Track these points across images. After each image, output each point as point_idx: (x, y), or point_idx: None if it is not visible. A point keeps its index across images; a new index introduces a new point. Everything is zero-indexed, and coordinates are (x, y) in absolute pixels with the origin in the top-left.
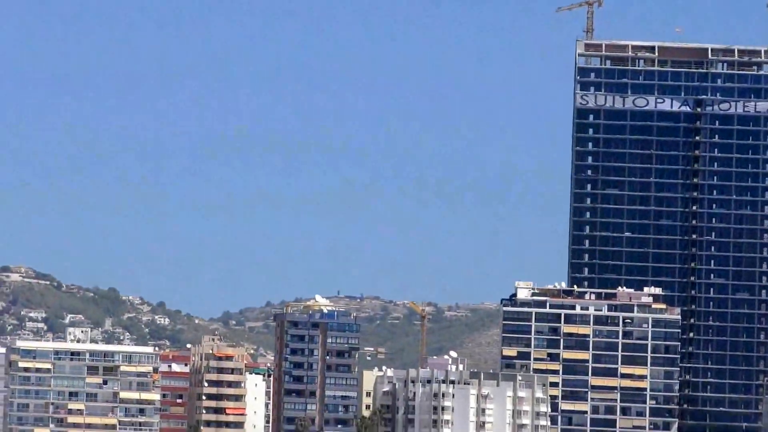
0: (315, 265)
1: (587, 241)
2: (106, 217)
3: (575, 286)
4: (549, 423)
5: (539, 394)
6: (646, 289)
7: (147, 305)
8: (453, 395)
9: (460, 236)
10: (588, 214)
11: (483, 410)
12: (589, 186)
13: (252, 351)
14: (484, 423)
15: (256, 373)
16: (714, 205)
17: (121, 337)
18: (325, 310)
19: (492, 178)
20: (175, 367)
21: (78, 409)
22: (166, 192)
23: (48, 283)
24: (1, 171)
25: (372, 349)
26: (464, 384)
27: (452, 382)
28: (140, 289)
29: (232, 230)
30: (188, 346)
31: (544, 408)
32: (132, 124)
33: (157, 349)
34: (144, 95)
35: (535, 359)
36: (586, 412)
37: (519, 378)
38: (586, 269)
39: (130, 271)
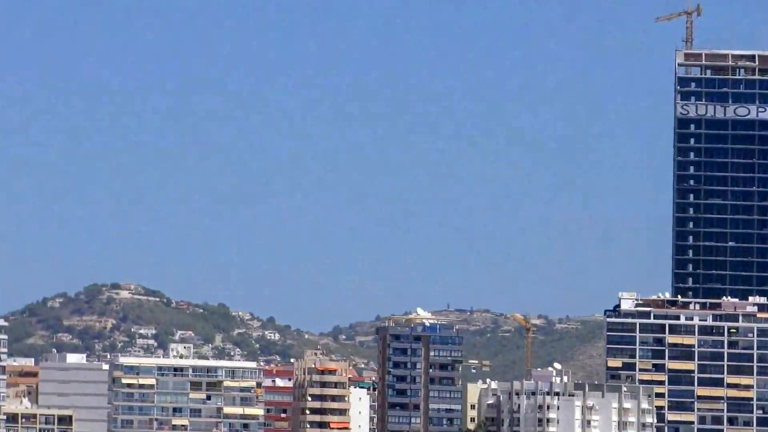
0: (424, 278)
1: (691, 251)
2: (215, 233)
3: (679, 297)
4: None
5: (645, 404)
6: (750, 298)
7: (257, 321)
8: (558, 407)
9: (566, 248)
10: (691, 224)
11: (588, 422)
12: (691, 196)
13: (362, 365)
14: None
15: (361, 387)
16: None
17: (231, 353)
18: (427, 323)
19: (595, 190)
20: (279, 382)
21: (182, 425)
22: (275, 209)
23: (157, 299)
24: (110, 190)
25: (476, 361)
26: (569, 396)
27: (557, 393)
28: (250, 304)
29: (341, 246)
30: (291, 360)
31: (650, 419)
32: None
33: (262, 364)
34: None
35: (641, 370)
36: (693, 423)
37: (624, 389)
38: (690, 279)
39: (239, 287)
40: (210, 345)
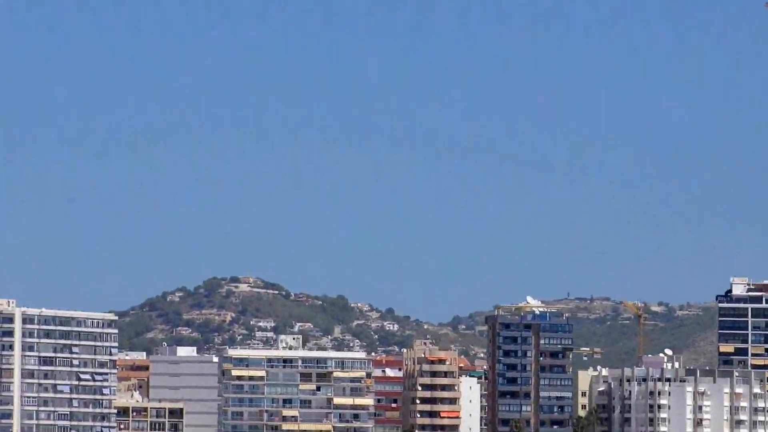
0: (542, 267)
1: None
2: (331, 225)
3: None
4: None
5: (757, 389)
6: None
7: (376, 312)
8: (669, 393)
9: (678, 234)
10: None
11: (700, 407)
12: None
13: (482, 354)
14: (701, 420)
15: (472, 376)
16: None
17: (351, 345)
18: (537, 312)
19: (706, 177)
20: (389, 372)
21: (292, 416)
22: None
23: (276, 292)
24: (227, 184)
25: (588, 349)
26: (680, 382)
27: (668, 380)
28: (369, 295)
29: (460, 235)
30: (403, 351)
31: (762, 403)
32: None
33: (373, 354)
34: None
35: (753, 355)
36: None
37: (736, 374)
38: None
39: (358, 278)
40: (329, 337)
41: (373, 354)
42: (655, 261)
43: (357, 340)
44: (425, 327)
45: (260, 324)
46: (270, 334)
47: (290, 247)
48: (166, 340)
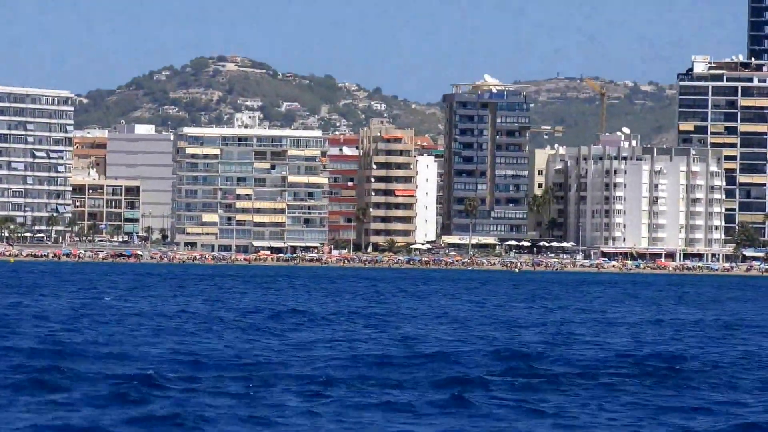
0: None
1: (767, 13)
2: (319, 3)
3: (753, 59)
4: (723, 196)
5: (713, 167)
6: None
7: (363, 91)
8: (625, 171)
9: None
10: None
11: (656, 185)
12: None
13: None
14: (656, 198)
15: (435, 155)
16: None
17: (337, 124)
18: (494, 90)
19: None
20: (346, 151)
21: (246, 194)
22: None
23: (263, 71)
24: None
25: (549, 128)
26: (636, 160)
27: (624, 158)
28: (356, 75)
29: (448, 13)
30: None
31: (718, 182)
32: None
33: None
34: None
35: (712, 133)
36: (764, 185)
37: (692, 152)
38: (766, 41)
39: (346, 58)
40: (316, 116)
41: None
42: (636, 35)
43: (344, 120)
44: (413, 107)
45: (247, 103)
46: (257, 113)
47: (278, 27)
48: (152, 119)
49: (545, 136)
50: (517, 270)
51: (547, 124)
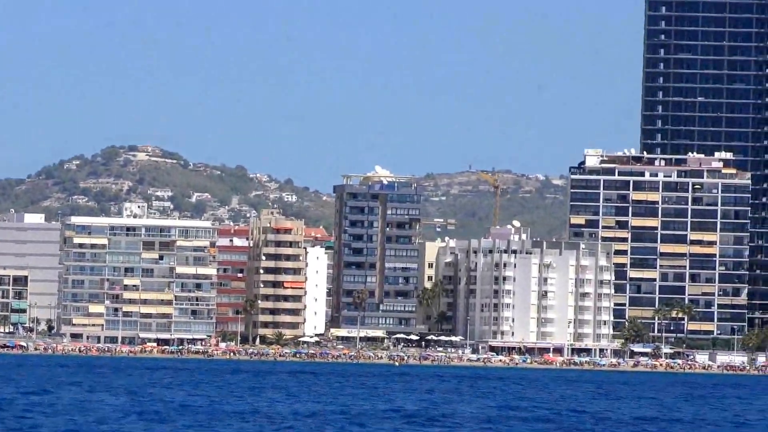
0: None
1: (660, 107)
2: (233, 94)
3: (644, 152)
4: (613, 291)
5: (603, 262)
6: (716, 154)
7: (275, 182)
8: (515, 265)
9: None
10: (661, 80)
11: (545, 279)
12: (662, 51)
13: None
14: (546, 292)
15: (326, 247)
16: None
17: (248, 215)
18: (386, 181)
19: (564, 45)
20: (237, 242)
21: (134, 285)
22: (289, 69)
23: (175, 161)
24: (128, 51)
25: (441, 220)
26: (526, 253)
27: (514, 251)
28: (268, 166)
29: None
30: (250, 220)
31: (608, 276)
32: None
33: (216, 223)
34: None
35: (603, 227)
36: (655, 280)
37: (582, 246)
38: (659, 135)
39: (258, 149)
40: (226, 207)
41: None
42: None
43: (254, 211)
44: (324, 198)
45: (158, 193)
46: (167, 204)
47: (190, 116)
48: (61, 208)
49: (438, 229)
50: (397, 364)
51: (458, 217)
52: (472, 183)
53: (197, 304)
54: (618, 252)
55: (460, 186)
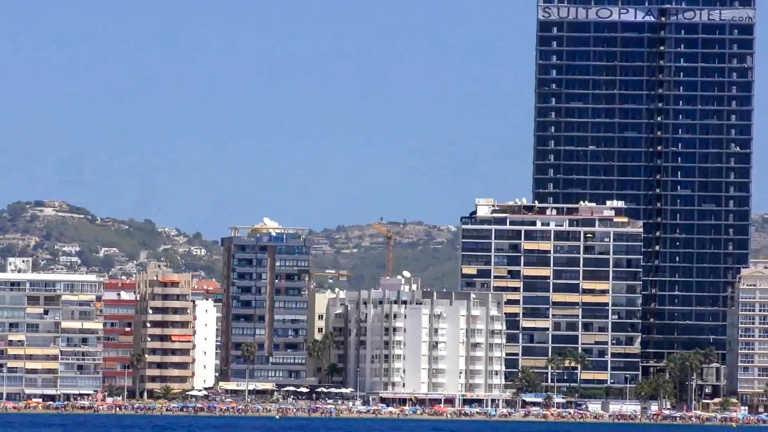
0: (354, 191)
1: (552, 156)
2: (141, 149)
3: (536, 202)
4: (505, 340)
5: (494, 311)
6: (608, 202)
7: (183, 236)
8: (405, 316)
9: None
10: (552, 129)
11: (436, 330)
12: (553, 100)
13: None
14: (437, 343)
15: (215, 299)
16: (680, 116)
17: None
18: (274, 233)
19: (457, 93)
20: (125, 296)
21: (18, 341)
22: (196, 122)
23: (82, 216)
24: (34, 108)
25: (334, 271)
26: (416, 304)
27: (404, 302)
28: (177, 220)
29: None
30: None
31: (499, 326)
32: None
33: (104, 277)
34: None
35: (496, 277)
36: (547, 329)
37: (473, 296)
38: (551, 184)
39: (165, 202)
40: (135, 261)
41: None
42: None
43: (163, 266)
44: None
45: (65, 248)
46: (75, 259)
47: (97, 171)
48: None
49: (330, 280)
50: (278, 417)
51: (368, 269)
52: (382, 234)
53: (83, 359)
54: (510, 301)
55: (372, 238)
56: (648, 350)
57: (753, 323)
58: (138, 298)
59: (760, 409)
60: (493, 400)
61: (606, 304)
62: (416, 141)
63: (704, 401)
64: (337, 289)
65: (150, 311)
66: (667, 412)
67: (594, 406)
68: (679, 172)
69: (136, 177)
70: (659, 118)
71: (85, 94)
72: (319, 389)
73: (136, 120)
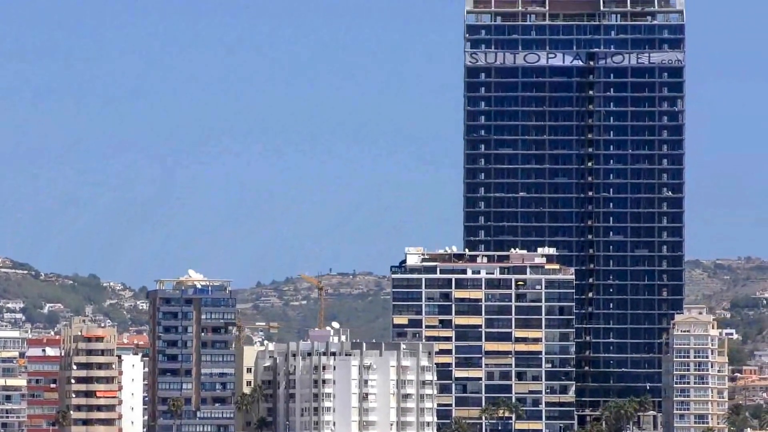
0: (305, 242)
1: (482, 203)
2: (83, 205)
3: (467, 250)
4: (436, 391)
5: (424, 362)
6: (540, 249)
7: (129, 290)
8: (334, 367)
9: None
10: (482, 175)
11: (366, 381)
12: (482, 146)
13: None
14: (366, 395)
15: (143, 354)
16: (610, 161)
17: (102, 325)
18: (199, 285)
19: (383, 141)
20: (50, 352)
21: None
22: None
23: (26, 272)
24: None
25: (264, 323)
26: (346, 355)
27: (333, 353)
28: (122, 274)
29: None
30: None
31: (430, 376)
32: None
33: (27, 333)
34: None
35: (427, 326)
36: (480, 379)
37: (403, 347)
38: (482, 232)
39: (111, 258)
40: (80, 317)
41: (125, 334)
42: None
43: (109, 321)
44: None
45: (9, 305)
46: (19, 316)
47: (40, 227)
48: None
49: (260, 332)
50: None
51: (316, 320)
52: (333, 286)
53: (7, 417)
54: (442, 351)
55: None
56: (583, 399)
57: (688, 370)
58: (63, 354)
59: None
60: None
61: (539, 352)
62: (347, 190)
63: None
64: (266, 342)
65: (74, 367)
66: None
67: None
68: (611, 218)
69: (76, 231)
70: (590, 163)
71: (23, 146)
72: None
73: (71, 175)
